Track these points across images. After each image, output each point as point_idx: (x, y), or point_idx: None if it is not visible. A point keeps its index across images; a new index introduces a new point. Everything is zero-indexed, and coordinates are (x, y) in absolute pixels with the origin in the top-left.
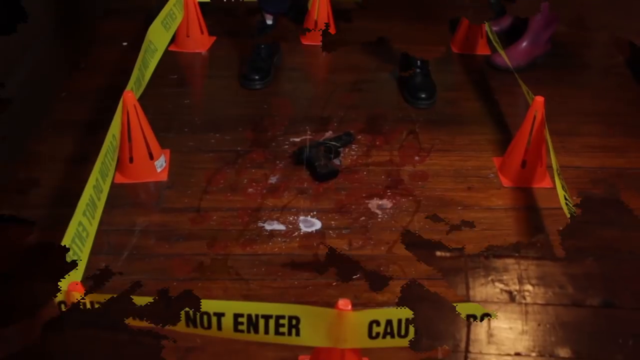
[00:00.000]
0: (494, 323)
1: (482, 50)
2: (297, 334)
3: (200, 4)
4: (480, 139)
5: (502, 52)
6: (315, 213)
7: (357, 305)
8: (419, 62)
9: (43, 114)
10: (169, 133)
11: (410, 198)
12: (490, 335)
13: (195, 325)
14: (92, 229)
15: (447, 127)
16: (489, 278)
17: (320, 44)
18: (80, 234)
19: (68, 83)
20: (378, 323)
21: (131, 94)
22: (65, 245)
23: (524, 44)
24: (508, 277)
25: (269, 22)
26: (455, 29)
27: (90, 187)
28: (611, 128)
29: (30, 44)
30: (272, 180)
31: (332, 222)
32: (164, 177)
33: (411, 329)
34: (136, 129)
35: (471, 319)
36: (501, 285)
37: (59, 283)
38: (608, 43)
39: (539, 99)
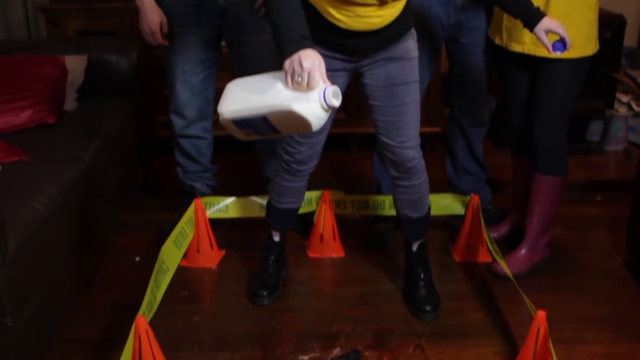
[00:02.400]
0: None
1: (484, 257)
2: None
3: (211, 219)
4: (487, 351)
5: (501, 262)
6: None
7: None
8: (422, 274)
9: (54, 334)
10: (178, 352)
11: None
12: None
13: None
14: None
15: (453, 340)
16: None
17: (326, 256)
18: None
19: (80, 300)
20: None
21: (143, 319)
22: None
23: (523, 251)
24: None
25: (276, 238)
26: (456, 237)
27: None
28: (615, 334)
29: (49, 266)
30: None
31: None
32: None
33: None
34: (147, 353)
35: None
36: None
37: None
38: (605, 243)
39: (541, 315)
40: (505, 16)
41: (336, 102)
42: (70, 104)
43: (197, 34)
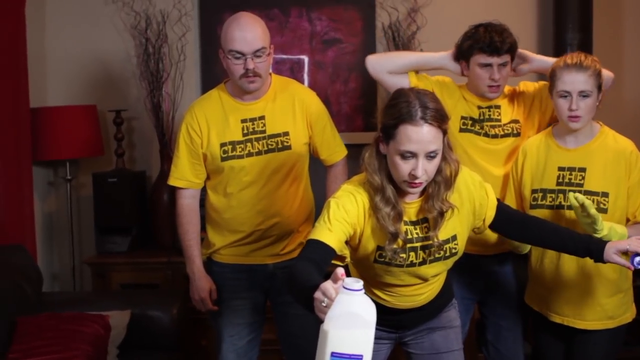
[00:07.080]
0: None
1: None
2: None
3: None
4: None
5: None
6: None
7: None
8: None
9: None
10: None
11: None
12: None
13: None
14: None
15: None
16: None
17: None
18: None
19: None
20: None
21: None
22: None
23: None
24: None
25: None
26: None
27: None
28: None
29: None
30: None
31: None
32: None
33: None
34: None
35: None
36: None
37: None
38: None
39: None
40: (540, 286)
41: (358, 284)
42: None
43: (246, 299)
